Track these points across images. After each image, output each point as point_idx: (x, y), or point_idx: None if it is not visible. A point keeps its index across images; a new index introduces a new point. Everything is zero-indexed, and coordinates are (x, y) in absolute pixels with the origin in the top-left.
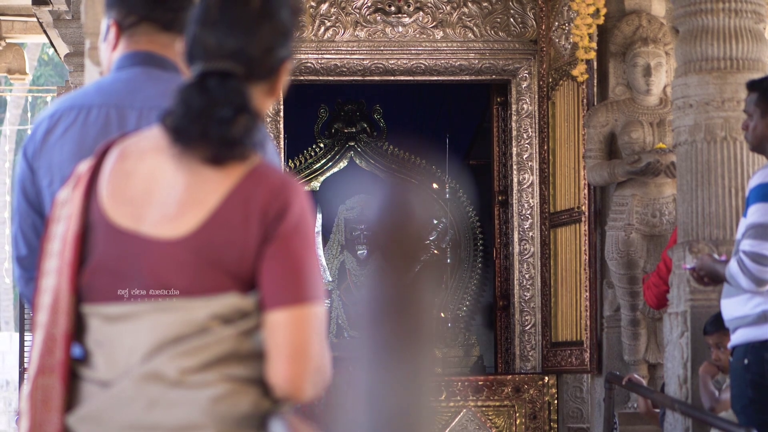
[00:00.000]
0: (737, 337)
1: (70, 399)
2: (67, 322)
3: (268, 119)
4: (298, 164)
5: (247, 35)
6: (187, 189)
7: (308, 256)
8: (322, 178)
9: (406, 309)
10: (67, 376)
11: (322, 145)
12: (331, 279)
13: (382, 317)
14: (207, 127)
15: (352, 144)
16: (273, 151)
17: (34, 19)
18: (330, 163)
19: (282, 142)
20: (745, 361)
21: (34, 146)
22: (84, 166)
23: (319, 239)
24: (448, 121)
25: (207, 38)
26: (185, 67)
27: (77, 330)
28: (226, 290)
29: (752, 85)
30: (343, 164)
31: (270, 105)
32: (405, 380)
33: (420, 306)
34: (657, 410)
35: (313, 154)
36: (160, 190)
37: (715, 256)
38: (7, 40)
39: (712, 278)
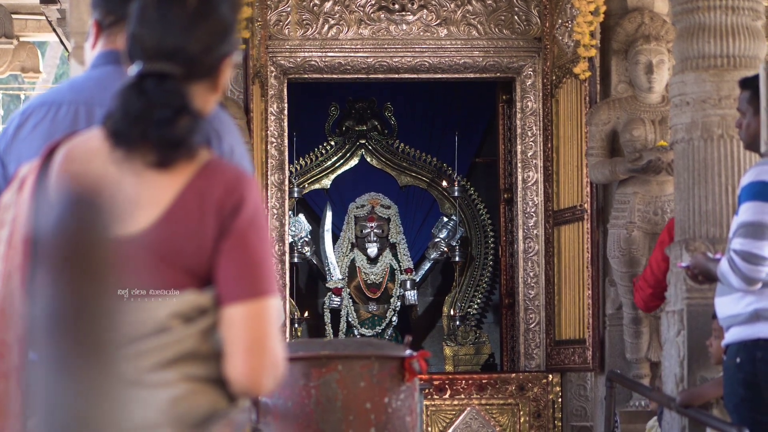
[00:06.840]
0: (730, 336)
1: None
2: (21, 327)
3: (272, 117)
4: (308, 162)
5: (185, 34)
6: (138, 190)
7: (263, 250)
8: (332, 176)
9: (85, 320)
10: (22, 380)
11: (332, 142)
12: (341, 277)
13: (60, 329)
14: (146, 130)
15: (363, 142)
16: (241, 152)
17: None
18: (341, 161)
19: (287, 140)
20: (737, 360)
21: (5, 141)
22: (27, 169)
23: (330, 237)
24: (458, 119)
25: (145, 37)
26: (127, 64)
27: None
28: (183, 287)
29: (744, 83)
30: (353, 162)
31: (214, 101)
32: (84, 392)
33: (101, 317)
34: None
35: (323, 152)
36: (112, 191)
37: (709, 254)
38: (21, 39)
39: (706, 277)
